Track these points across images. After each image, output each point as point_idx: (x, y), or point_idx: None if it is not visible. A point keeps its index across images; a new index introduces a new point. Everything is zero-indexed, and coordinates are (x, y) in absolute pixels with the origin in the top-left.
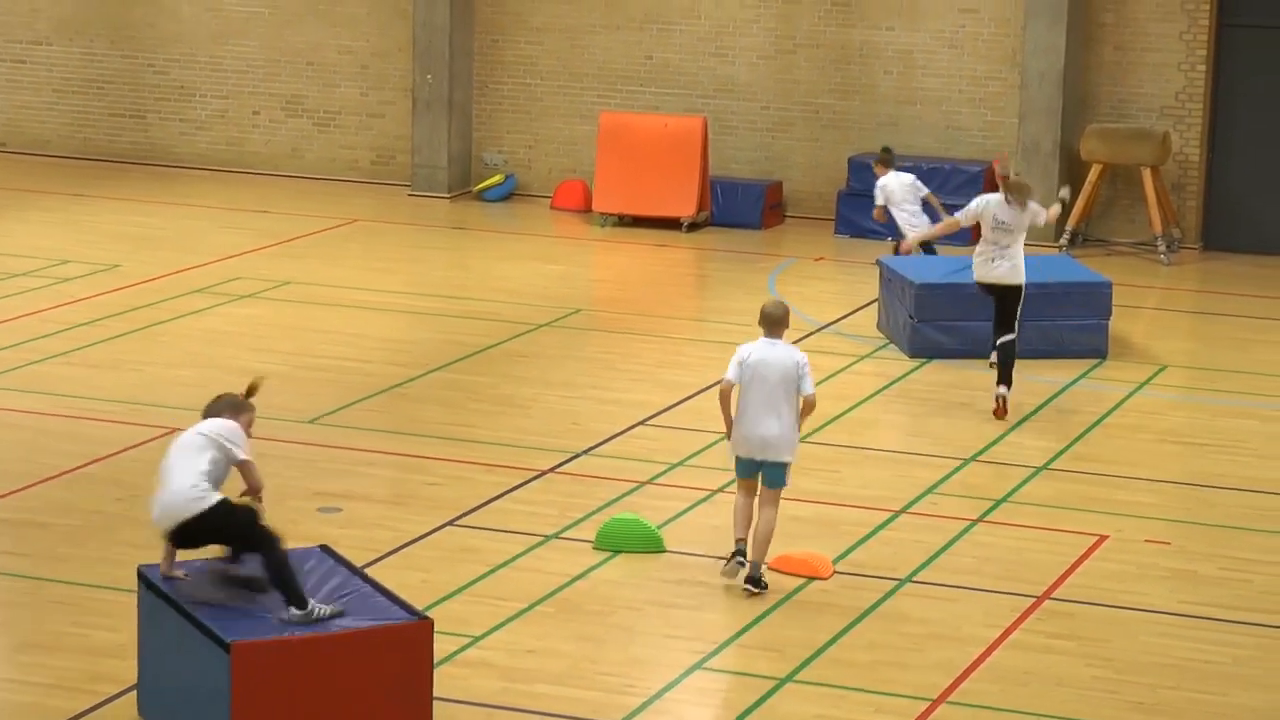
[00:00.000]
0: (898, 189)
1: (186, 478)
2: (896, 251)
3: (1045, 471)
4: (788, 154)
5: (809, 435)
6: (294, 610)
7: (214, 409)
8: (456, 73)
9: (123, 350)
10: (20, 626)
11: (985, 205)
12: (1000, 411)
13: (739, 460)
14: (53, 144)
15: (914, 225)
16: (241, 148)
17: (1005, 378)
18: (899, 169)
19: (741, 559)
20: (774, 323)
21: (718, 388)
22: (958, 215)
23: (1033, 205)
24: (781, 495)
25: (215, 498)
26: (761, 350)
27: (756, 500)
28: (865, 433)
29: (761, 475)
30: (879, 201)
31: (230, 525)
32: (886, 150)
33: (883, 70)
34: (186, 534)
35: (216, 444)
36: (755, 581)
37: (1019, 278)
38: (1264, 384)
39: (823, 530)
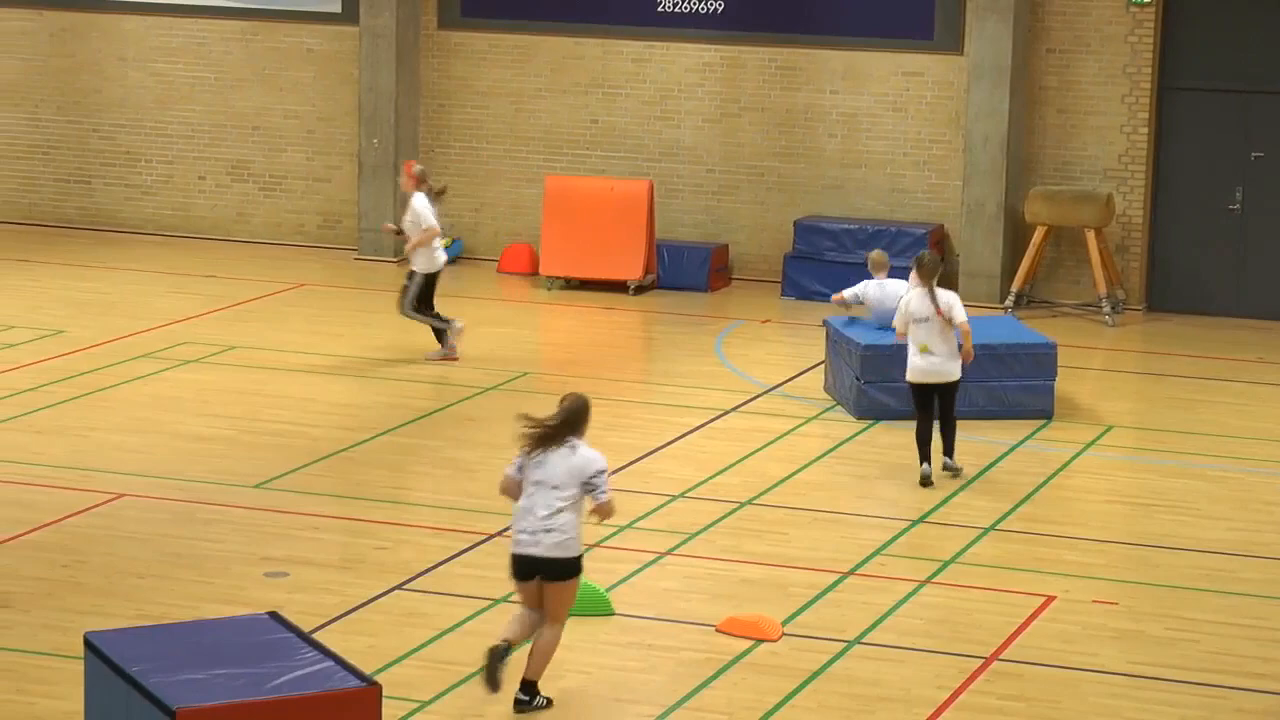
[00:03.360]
0: None
1: None
2: None
3: (993, 532)
4: (733, 217)
5: (755, 498)
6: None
7: None
8: (402, 137)
9: (68, 416)
10: None
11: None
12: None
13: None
14: None
15: None
16: (187, 212)
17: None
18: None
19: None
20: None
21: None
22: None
23: None
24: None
25: None
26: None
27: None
28: (813, 495)
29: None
30: None
31: None
32: None
33: (827, 133)
34: None
35: None
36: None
37: None
38: (1209, 444)
39: (771, 592)
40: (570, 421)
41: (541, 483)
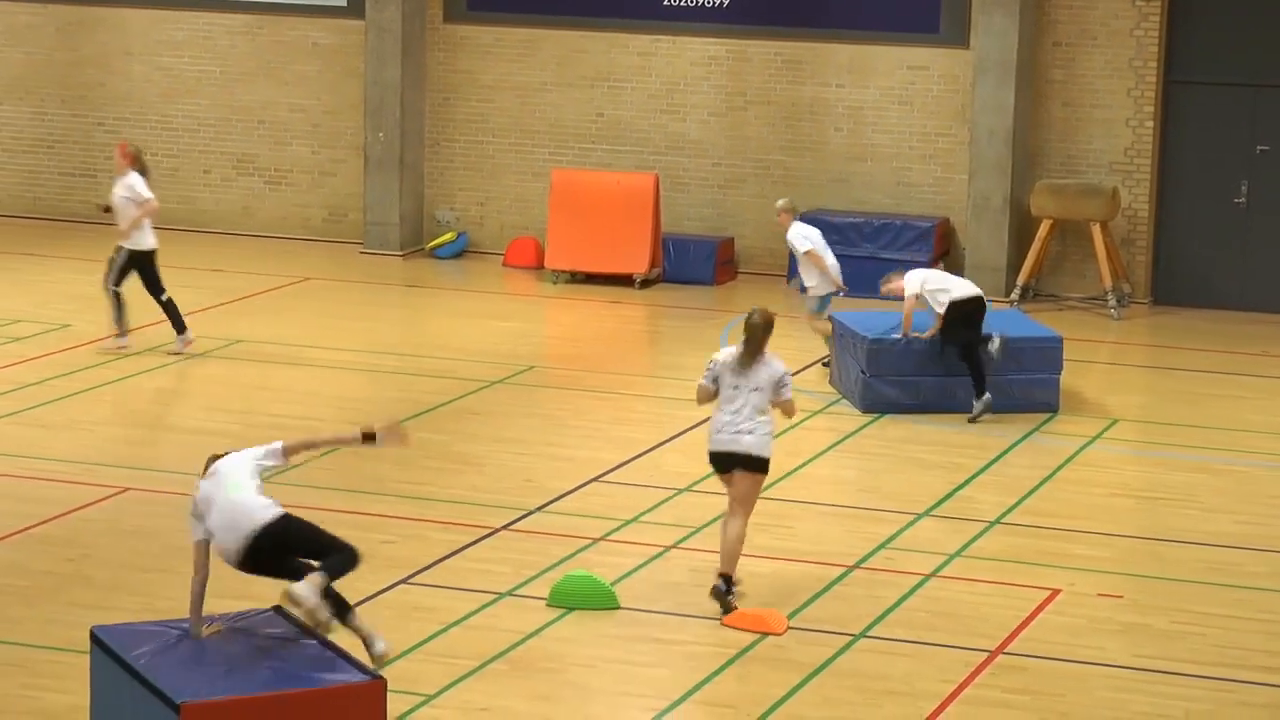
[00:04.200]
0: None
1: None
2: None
3: (998, 526)
4: (739, 210)
5: (761, 491)
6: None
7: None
8: (408, 131)
9: (73, 410)
10: None
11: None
12: None
13: None
14: (3, 203)
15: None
16: (193, 206)
17: None
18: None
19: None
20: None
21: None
22: None
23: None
24: None
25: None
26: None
27: None
28: (818, 488)
29: None
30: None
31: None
32: None
33: (833, 126)
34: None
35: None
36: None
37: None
38: (1214, 437)
39: (777, 586)
40: (767, 334)
41: (742, 388)
